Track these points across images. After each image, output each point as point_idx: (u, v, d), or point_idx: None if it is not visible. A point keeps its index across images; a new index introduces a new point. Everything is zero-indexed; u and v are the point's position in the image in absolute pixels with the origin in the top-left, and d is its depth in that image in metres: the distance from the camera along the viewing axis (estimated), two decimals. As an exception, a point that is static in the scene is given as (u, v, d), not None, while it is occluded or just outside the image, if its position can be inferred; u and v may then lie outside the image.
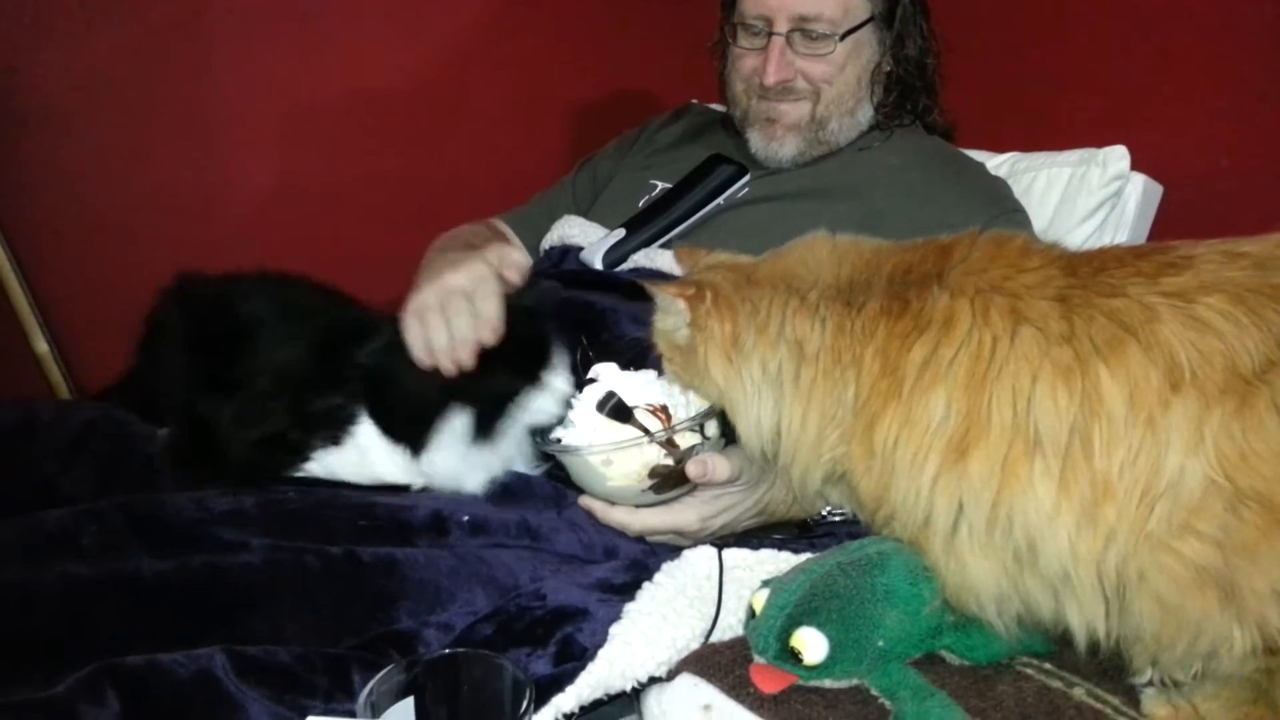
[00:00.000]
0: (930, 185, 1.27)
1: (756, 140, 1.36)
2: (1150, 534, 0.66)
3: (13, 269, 1.47)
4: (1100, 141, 1.40)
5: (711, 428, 0.96)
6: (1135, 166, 1.37)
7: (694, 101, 1.95)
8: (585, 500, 0.97)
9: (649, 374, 0.98)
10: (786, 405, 0.84)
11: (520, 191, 1.75)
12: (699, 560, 0.89)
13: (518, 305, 0.98)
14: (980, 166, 1.39)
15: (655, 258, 1.26)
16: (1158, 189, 1.38)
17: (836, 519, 1.05)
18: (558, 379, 0.97)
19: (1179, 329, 0.68)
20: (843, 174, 1.32)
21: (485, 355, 0.93)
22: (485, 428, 0.95)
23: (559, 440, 0.96)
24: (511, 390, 0.95)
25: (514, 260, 1.02)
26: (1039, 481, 0.70)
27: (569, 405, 0.97)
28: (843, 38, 1.29)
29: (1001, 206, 1.26)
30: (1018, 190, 1.38)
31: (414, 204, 1.77)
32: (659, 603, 0.84)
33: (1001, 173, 1.45)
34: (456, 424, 0.94)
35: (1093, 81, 1.46)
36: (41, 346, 1.49)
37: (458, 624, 0.85)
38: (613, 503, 0.96)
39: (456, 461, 0.96)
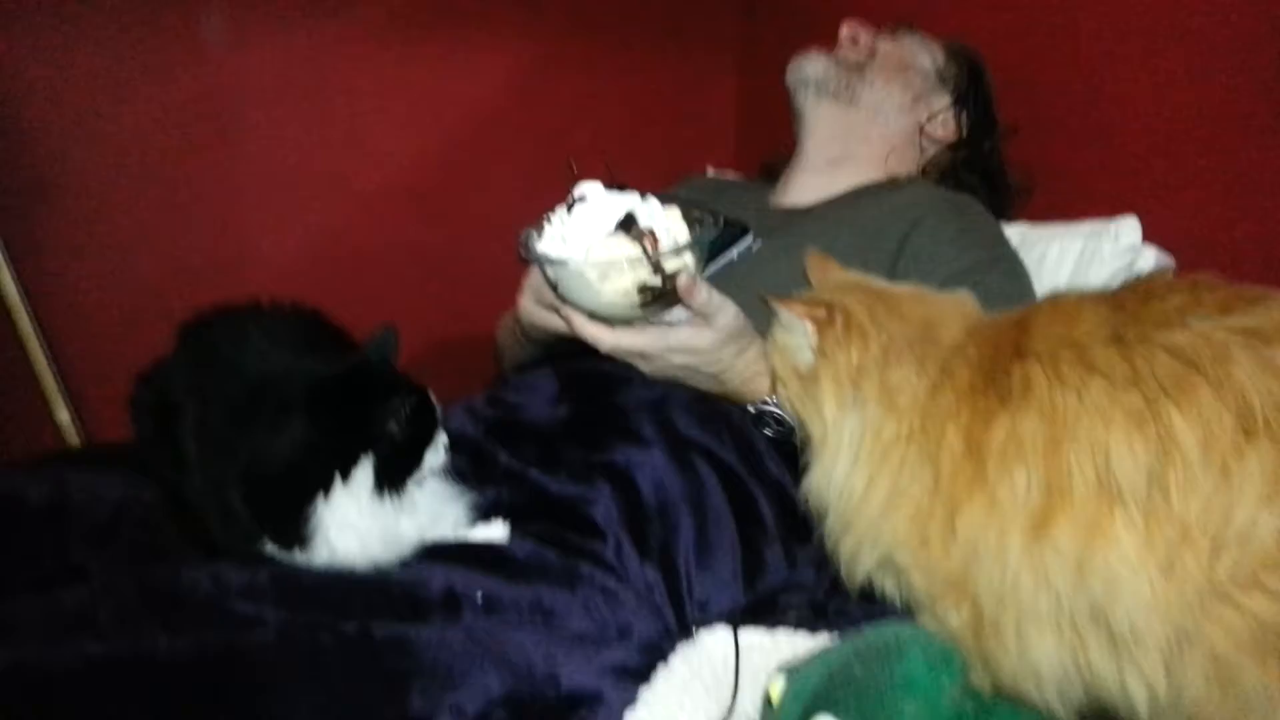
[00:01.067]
0: (932, 215, 1.30)
1: (795, 59, 1.47)
2: (1215, 584, 0.63)
3: (36, 336, 1.49)
4: (1110, 211, 1.40)
5: (689, 257, 0.98)
6: (1146, 237, 1.37)
7: (709, 171, 1.99)
8: (568, 311, 1.02)
9: (633, 194, 1.00)
10: (859, 465, 0.78)
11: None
12: (714, 644, 0.89)
13: (372, 357, 0.95)
14: (990, 217, 1.40)
15: None
16: (1169, 261, 1.38)
17: (772, 409, 1.05)
18: (441, 431, 0.96)
19: (1254, 372, 0.64)
20: (850, 211, 1.36)
21: (369, 402, 0.89)
22: (392, 477, 0.90)
23: (549, 255, 0.98)
24: (421, 436, 0.91)
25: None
26: (1123, 534, 0.66)
27: (548, 221, 1.01)
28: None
29: (999, 252, 1.30)
30: (1030, 260, 1.38)
31: (436, 274, 1.78)
32: (674, 688, 0.83)
33: (1013, 244, 1.46)
34: (359, 475, 0.88)
35: (1102, 151, 1.47)
36: (63, 415, 1.51)
37: (469, 707, 0.84)
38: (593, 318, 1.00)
39: (359, 519, 0.89)
